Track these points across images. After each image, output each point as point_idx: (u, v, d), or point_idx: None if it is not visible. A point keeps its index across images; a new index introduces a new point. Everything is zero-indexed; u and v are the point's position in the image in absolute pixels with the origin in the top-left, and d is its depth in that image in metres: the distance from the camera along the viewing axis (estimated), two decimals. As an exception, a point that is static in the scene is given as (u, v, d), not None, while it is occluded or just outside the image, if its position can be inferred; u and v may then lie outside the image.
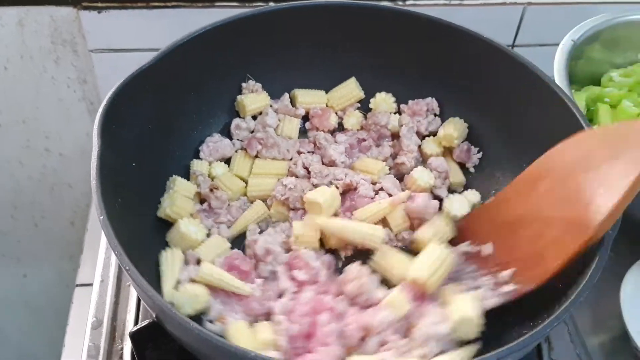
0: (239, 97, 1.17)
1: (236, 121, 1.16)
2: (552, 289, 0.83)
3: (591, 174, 0.84)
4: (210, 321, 0.90)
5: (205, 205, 1.05)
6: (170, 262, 0.93)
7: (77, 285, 1.21)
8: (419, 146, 1.18)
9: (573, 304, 0.76)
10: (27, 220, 1.68)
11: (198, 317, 0.89)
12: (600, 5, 1.41)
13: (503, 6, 1.39)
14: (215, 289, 0.92)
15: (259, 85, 1.18)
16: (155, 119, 1.01)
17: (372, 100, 1.21)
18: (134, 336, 0.83)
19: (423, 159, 1.17)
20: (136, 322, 0.97)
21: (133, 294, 1.01)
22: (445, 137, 1.16)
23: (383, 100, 1.21)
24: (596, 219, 0.81)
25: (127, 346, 0.96)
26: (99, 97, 1.44)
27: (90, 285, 1.06)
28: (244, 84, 1.18)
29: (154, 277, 0.91)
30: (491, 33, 1.12)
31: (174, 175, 1.04)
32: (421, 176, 1.10)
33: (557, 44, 1.21)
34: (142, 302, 0.99)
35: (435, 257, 0.92)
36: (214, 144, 1.12)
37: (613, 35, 1.26)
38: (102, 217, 0.77)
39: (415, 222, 1.05)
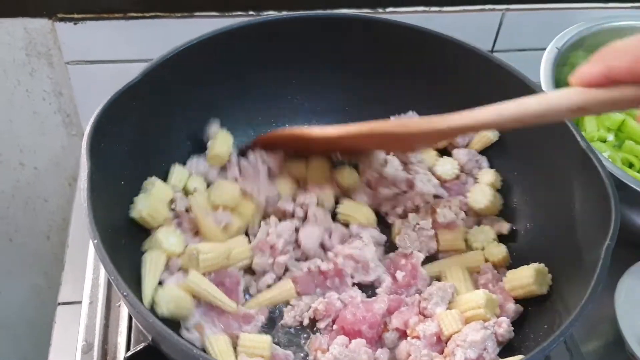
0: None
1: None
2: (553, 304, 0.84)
3: None
4: (187, 329, 0.89)
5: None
6: (154, 264, 0.92)
7: (60, 304, 1.17)
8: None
9: (575, 321, 0.79)
10: (1, 235, 1.64)
11: (177, 325, 0.89)
12: (577, 11, 1.42)
13: (482, 12, 1.39)
14: (198, 301, 0.91)
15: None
16: (144, 134, 0.98)
17: None
18: (129, 361, 0.81)
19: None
20: (128, 344, 0.94)
21: (124, 316, 0.99)
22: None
23: None
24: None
25: (121, 371, 0.93)
26: (76, 110, 1.40)
27: (73, 303, 1.03)
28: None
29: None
30: (470, 38, 1.12)
31: (153, 177, 1.01)
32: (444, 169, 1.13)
33: (536, 50, 1.22)
34: (133, 324, 0.96)
35: None
36: (204, 163, 1.08)
37: (596, 42, 1.26)
38: (96, 241, 0.74)
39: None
